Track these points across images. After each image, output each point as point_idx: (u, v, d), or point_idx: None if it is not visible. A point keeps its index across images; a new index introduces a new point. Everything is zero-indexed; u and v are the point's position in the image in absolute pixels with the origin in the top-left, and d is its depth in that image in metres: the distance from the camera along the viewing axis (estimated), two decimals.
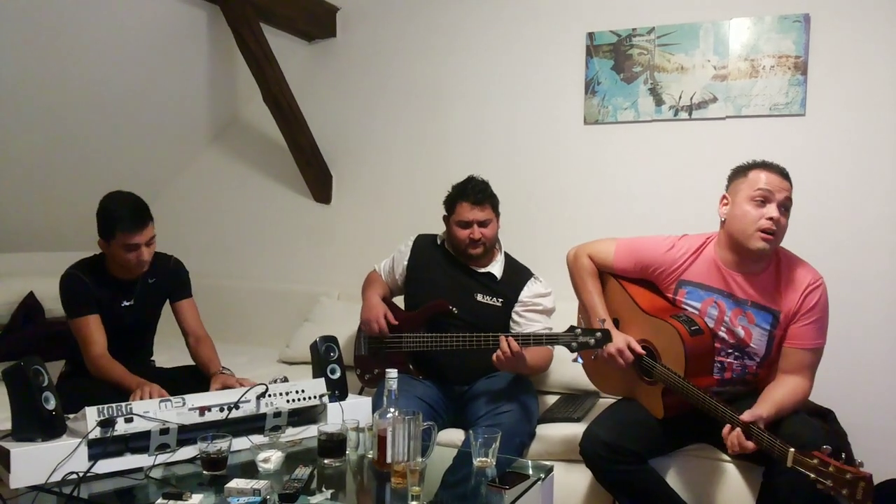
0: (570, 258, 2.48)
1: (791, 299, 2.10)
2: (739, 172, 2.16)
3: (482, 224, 2.59)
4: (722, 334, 2.17)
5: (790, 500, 1.94)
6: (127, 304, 2.52)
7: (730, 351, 2.18)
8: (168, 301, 2.67)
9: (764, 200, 2.06)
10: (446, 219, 2.68)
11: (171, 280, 2.63)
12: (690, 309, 2.20)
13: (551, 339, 2.38)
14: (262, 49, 3.42)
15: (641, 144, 3.22)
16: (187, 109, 3.88)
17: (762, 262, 2.14)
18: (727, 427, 1.96)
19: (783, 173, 2.11)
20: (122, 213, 2.36)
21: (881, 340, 2.85)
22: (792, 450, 1.78)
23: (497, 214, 2.66)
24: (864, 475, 1.66)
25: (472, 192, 2.59)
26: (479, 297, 2.63)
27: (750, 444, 1.91)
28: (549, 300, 2.67)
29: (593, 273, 2.40)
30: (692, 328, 2.10)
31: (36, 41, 2.91)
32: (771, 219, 2.04)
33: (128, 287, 2.52)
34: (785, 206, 2.08)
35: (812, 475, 1.72)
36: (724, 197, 2.19)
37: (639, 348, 2.19)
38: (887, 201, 2.85)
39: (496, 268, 2.66)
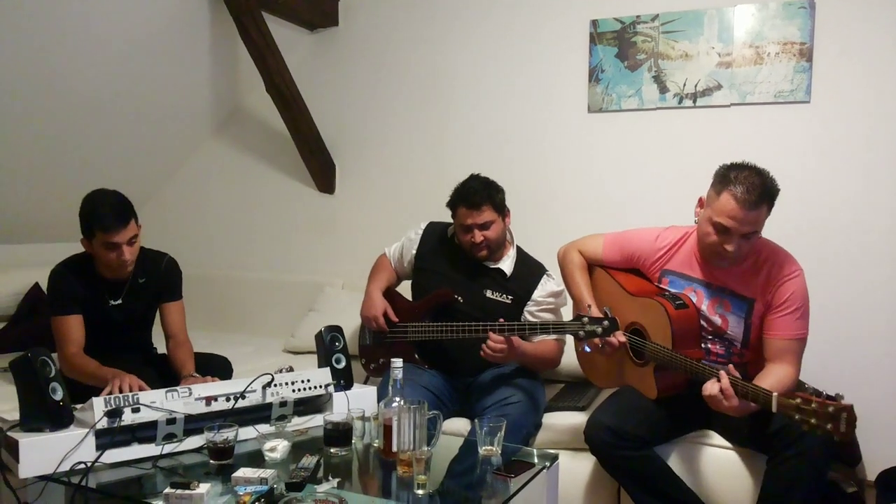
0: (560, 255, 2.56)
1: (765, 290, 2.13)
2: (718, 184, 2.08)
3: (483, 227, 2.52)
4: (701, 322, 2.21)
5: (794, 488, 1.95)
6: (115, 303, 2.50)
7: (710, 337, 2.23)
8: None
9: (725, 231, 2.04)
10: (453, 217, 2.64)
11: (161, 281, 2.60)
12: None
13: (558, 329, 2.40)
14: (264, 38, 3.41)
15: (645, 132, 3.21)
16: (189, 100, 3.87)
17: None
18: (709, 383, 1.96)
19: (753, 203, 1.99)
20: (102, 212, 2.33)
21: (887, 330, 2.84)
22: (775, 393, 1.82)
23: (502, 213, 2.58)
24: (846, 406, 1.70)
25: (470, 196, 2.51)
26: (489, 294, 2.59)
27: (732, 399, 1.90)
28: (563, 298, 2.63)
29: (582, 266, 2.48)
30: (677, 303, 2.17)
31: (38, 32, 2.90)
32: (727, 248, 2.05)
33: (116, 286, 2.50)
34: (746, 237, 2.05)
35: (797, 416, 1.75)
36: (700, 198, 2.19)
37: (622, 337, 2.23)
38: (893, 188, 2.84)
39: (506, 264, 2.62)
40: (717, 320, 2.19)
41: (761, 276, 2.14)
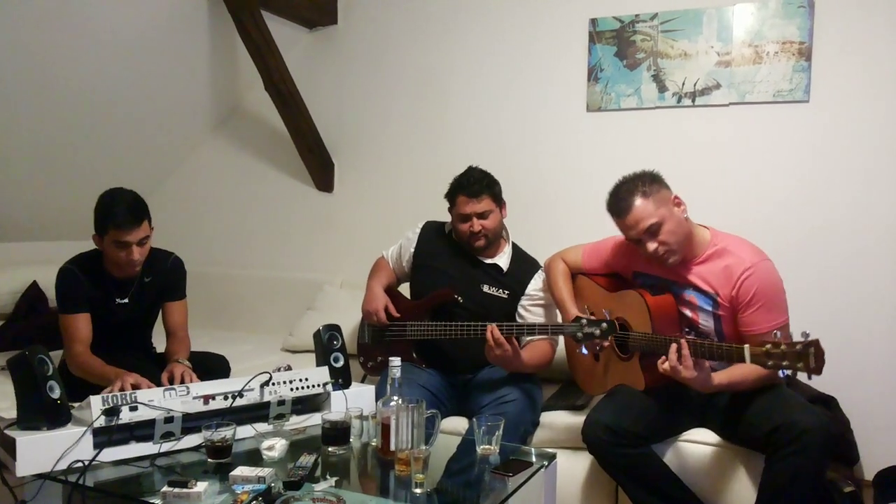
0: (546, 264, 2.62)
1: (727, 286, 2.15)
2: (610, 213, 2.24)
3: (481, 216, 2.55)
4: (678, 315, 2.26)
5: (791, 487, 1.95)
6: (121, 301, 2.52)
7: (687, 330, 2.27)
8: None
9: (637, 241, 2.18)
10: (450, 210, 2.67)
11: (166, 279, 2.62)
12: None
13: (556, 330, 2.41)
14: (263, 37, 3.40)
15: (644, 131, 3.21)
16: (188, 98, 3.87)
17: (697, 250, 2.22)
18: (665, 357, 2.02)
19: (625, 206, 2.15)
20: (117, 210, 2.34)
21: (887, 330, 2.84)
22: (746, 345, 1.90)
23: (499, 204, 2.62)
24: (812, 341, 1.79)
25: (469, 185, 2.55)
26: (486, 289, 2.61)
27: (688, 368, 1.98)
28: None
29: (565, 274, 2.54)
30: (654, 290, 2.26)
31: (37, 31, 2.90)
32: (652, 250, 2.15)
33: (123, 285, 2.51)
34: (652, 231, 2.13)
35: (770, 362, 1.83)
36: None
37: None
38: (892, 188, 2.84)
39: (503, 259, 2.64)
40: (688, 313, 2.25)
41: (719, 269, 2.17)
